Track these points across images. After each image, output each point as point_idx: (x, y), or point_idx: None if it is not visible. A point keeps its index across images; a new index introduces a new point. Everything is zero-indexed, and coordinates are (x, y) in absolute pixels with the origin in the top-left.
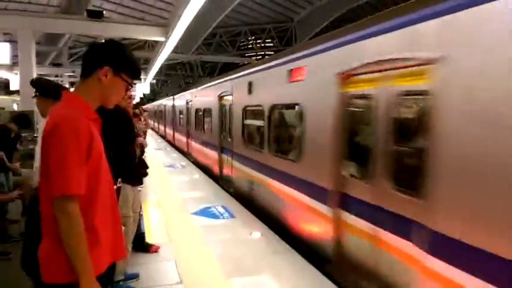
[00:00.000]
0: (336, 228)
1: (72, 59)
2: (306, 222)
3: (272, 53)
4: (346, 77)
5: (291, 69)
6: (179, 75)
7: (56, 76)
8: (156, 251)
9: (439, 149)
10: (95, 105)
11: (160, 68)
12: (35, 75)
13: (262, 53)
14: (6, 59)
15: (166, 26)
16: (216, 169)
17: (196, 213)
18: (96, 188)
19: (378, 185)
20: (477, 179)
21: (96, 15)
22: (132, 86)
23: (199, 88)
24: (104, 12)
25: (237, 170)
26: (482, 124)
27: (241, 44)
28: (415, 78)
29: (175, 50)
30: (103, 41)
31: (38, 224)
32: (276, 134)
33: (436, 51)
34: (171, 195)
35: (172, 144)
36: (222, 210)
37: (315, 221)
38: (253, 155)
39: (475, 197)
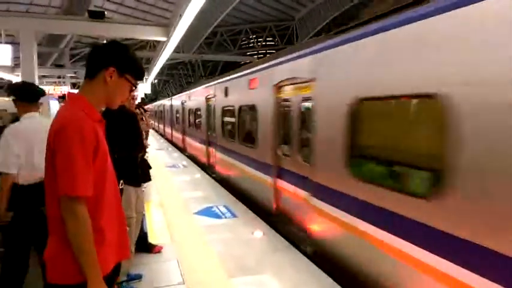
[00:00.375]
0: (275, 192)
1: (73, 60)
2: (260, 190)
3: (273, 51)
4: (278, 87)
5: (250, 79)
6: (180, 74)
7: (58, 77)
8: (159, 251)
9: (316, 133)
10: (99, 106)
11: (162, 68)
12: (36, 77)
13: (264, 51)
14: (8, 61)
15: (167, 26)
16: (204, 159)
17: (198, 213)
18: (103, 189)
19: (294, 159)
20: (330, 150)
21: (97, 15)
22: (136, 87)
23: (191, 90)
24: (106, 12)
25: (219, 158)
26: (333, 116)
27: (243, 43)
28: (307, 89)
29: (177, 50)
30: (104, 41)
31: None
32: (243, 127)
33: (313, 74)
34: (173, 195)
35: (170, 141)
36: (224, 209)
37: (265, 188)
38: (229, 145)
39: (333, 159)
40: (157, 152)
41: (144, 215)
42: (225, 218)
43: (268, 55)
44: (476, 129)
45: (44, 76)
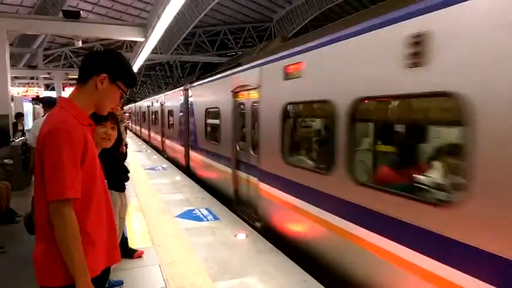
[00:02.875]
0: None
1: (47, 60)
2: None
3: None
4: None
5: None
6: (158, 75)
7: (31, 78)
8: (140, 256)
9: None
10: (89, 111)
11: (139, 69)
12: (9, 78)
13: (242, 52)
14: None
15: (145, 26)
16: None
17: (179, 216)
18: (91, 193)
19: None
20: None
21: (72, 15)
22: (126, 94)
23: (162, 94)
24: (81, 12)
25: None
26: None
27: (221, 44)
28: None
29: (154, 51)
30: (79, 43)
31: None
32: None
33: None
34: (153, 198)
35: (145, 140)
36: (206, 212)
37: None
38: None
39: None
40: (135, 154)
41: (124, 219)
42: (207, 220)
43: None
44: None
45: (16, 77)
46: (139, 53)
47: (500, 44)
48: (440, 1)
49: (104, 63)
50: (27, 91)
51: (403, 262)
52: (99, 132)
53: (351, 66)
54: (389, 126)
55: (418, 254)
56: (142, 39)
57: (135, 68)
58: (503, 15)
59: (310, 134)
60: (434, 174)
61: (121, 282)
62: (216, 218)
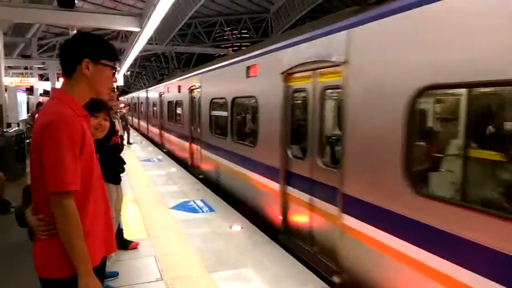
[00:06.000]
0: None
1: (41, 50)
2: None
3: (249, 44)
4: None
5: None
6: (153, 66)
7: (25, 68)
8: (135, 248)
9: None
10: (84, 101)
11: (135, 59)
12: (2, 67)
13: (238, 44)
14: None
15: (141, 16)
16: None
17: (175, 208)
18: (89, 184)
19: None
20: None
21: (67, 4)
22: (115, 68)
23: (149, 88)
24: (76, 1)
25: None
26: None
27: (217, 35)
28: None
29: (150, 41)
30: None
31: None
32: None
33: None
34: (148, 190)
35: (135, 128)
36: (201, 204)
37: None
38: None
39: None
40: (129, 145)
41: (119, 211)
42: (203, 212)
43: (243, 48)
44: None
45: (10, 67)
46: (135, 44)
47: None
48: None
49: (81, 49)
50: (21, 81)
51: None
52: (92, 123)
53: None
54: None
55: None
56: (137, 30)
57: (131, 58)
58: None
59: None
60: None
61: (116, 274)
62: (211, 209)
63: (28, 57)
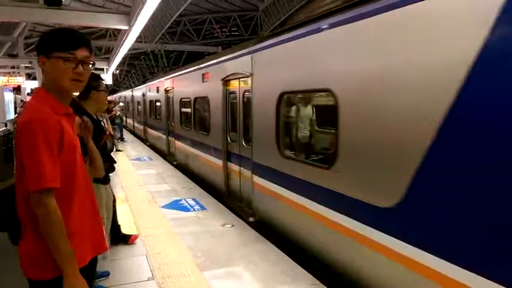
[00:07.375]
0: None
1: (28, 49)
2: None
3: (238, 41)
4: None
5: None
6: (143, 65)
7: (13, 67)
8: (135, 240)
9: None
10: (62, 97)
11: (124, 58)
12: None
13: (228, 41)
14: None
15: (129, 14)
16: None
17: (166, 207)
18: (72, 183)
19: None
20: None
21: (54, 2)
22: (71, 57)
23: (134, 88)
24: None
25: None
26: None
27: (207, 33)
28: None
29: (139, 39)
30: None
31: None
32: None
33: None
34: (139, 189)
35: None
36: (192, 202)
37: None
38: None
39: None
40: (119, 143)
41: (115, 207)
42: (194, 210)
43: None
44: None
45: None
46: (123, 42)
47: None
48: None
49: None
50: (8, 81)
51: None
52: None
53: None
54: None
55: None
56: (126, 28)
57: (119, 56)
58: None
59: None
60: None
61: (107, 273)
62: (202, 208)
63: (15, 56)
